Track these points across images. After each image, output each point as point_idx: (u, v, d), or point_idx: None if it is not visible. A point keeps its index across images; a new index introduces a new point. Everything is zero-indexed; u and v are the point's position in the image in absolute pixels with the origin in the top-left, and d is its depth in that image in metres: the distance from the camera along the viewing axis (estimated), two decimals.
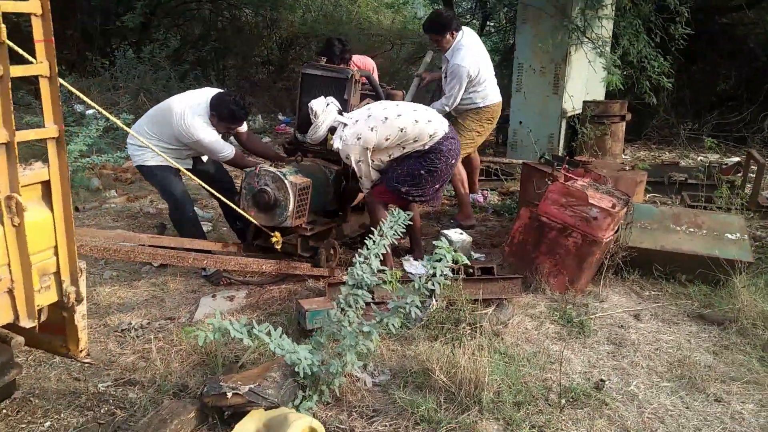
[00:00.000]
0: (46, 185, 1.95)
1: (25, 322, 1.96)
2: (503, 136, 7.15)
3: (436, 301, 3.18)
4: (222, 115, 3.59)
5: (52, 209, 1.97)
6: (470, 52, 4.51)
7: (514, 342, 2.89)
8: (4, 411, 2.36)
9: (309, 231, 3.66)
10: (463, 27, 4.62)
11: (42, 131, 1.91)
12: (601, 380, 2.57)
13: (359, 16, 11.49)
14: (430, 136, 3.53)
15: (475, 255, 4.06)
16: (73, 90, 2.67)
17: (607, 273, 3.52)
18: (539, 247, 3.54)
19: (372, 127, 3.47)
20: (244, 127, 3.92)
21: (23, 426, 2.30)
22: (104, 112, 2.99)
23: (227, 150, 3.67)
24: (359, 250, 2.73)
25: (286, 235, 3.64)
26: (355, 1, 11.54)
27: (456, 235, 4.04)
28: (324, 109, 3.57)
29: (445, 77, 4.63)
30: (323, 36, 10.56)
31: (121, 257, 2.73)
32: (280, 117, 9.13)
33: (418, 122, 3.51)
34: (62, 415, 2.37)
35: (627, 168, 4.68)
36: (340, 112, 3.62)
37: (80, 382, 2.60)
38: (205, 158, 3.90)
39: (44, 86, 1.89)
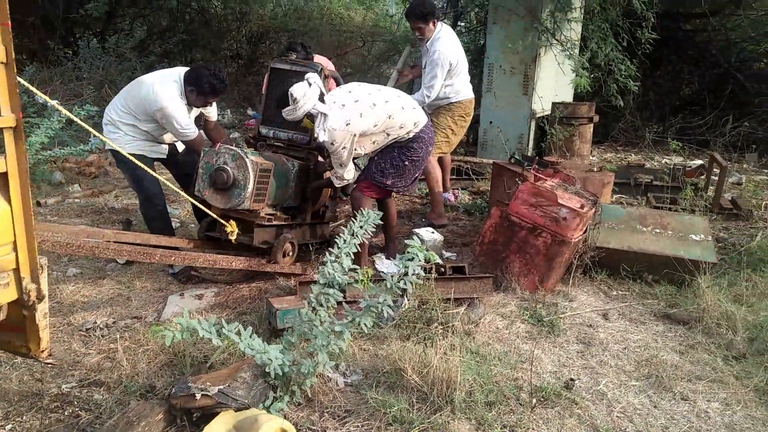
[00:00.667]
0: (3, 177, 1.85)
1: None
2: (474, 136, 7.20)
3: (408, 300, 3.18)
4: (202, 89, 3.55)
5: (9, 202, 1.89)
6: (450, 42, 4.60)
7: (486, 341, 2.90)
8: None
9: (266, 221, 3.54)
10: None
11: None
12: (571, 379, 2.60)
13: (330, 12, 11.40)
14: (415, 123, 3.53)
15: (447, 254, 4.07)
16: (26, 84, 2.55)
17: (576, 272, 3.57)
18: (509, 247, 3.57)
19: (361, 113, 3.39)
20: (214, 115, 3.89)
21: None
22: (60, 107, 2.86)
23: (191, 129, 3.60)
24: (329, 249, 2.70)
25: (242, 226, 3.49)
26: None
27: (428, 234, 4.05)
28: (305, 93, 3.33)
29: (425, 69, 4.65)
30: (294, 31, 10.48)
31: (85, 253, 2.64)
32: (249, 112, 9.01)
33: (404, 109, 3.50)
34: (24, 417, 2.28)
35: (595, 169, 4.76)
36: (321, 97, 3.40)
37: (43, 383, 2.51)
38: (181, 147, 3.84)
39: (0, 73, 1.80)
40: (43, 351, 2.20)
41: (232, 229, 3.43)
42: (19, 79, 2.50)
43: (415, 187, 4.41)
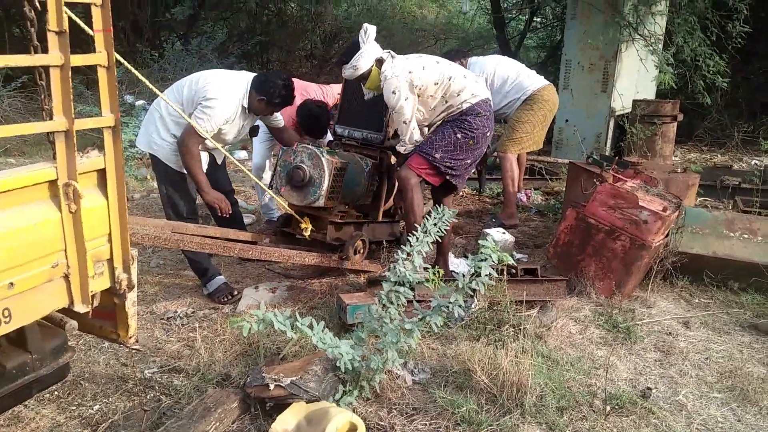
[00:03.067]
0: (102, 173, 1.97)
1: (80, 308, 2.01)
2: (548, 134, 7.01)
3: (479, 301, 3.15)
4: (271, 99, 3.37)
5: (106, 197, 2.01)
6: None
7: (558, 345, 2.83)
8: (56, 393, 2.44)
9: (340, 218, 3.61)
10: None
11: (99, 120, 1.93)
12: (648, 388, 2.50)
13: (403, 10, 11.44)
14: (473, 94, 3.38)
15: (518, 255, 4.00)
16: (138, 75, 2.71)
17: (655, 278, 3.42)
18: (585, 249, 3.47)
19: (424, 66, 3.31)
20: (281, 121, 3.80)
21: (73, 408, 2.38)
22: (162, 96, 3.03)
23: (201, 133, 3.22)
24: (401, 247, 2.71)
25: (316, 223, 3.59)
26: None
27: (498, 234, 4.00)
28: (371, 37, 3.28)
29: None
30: None
31: (170, 246, 2.79)
32: None
33: (466, 77, 3.41)
34: (110, 399, 2.44)
35: (678, 170, 4.53)
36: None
37: (128, 367, 2.67)
38: (219, 159, 3.73)
39: (102, 76, 1.89)
40: (130, 337, 2.34)
41: (306, 225, 3.53)
42: (135, 71, 2.67)
43: (465, 183, 4.24)
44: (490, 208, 5.08)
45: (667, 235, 3.48)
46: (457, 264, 3.77)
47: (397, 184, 3.95)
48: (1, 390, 1.85)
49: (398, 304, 2.58)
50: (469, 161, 3.46)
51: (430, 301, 2.60)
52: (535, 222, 4.74)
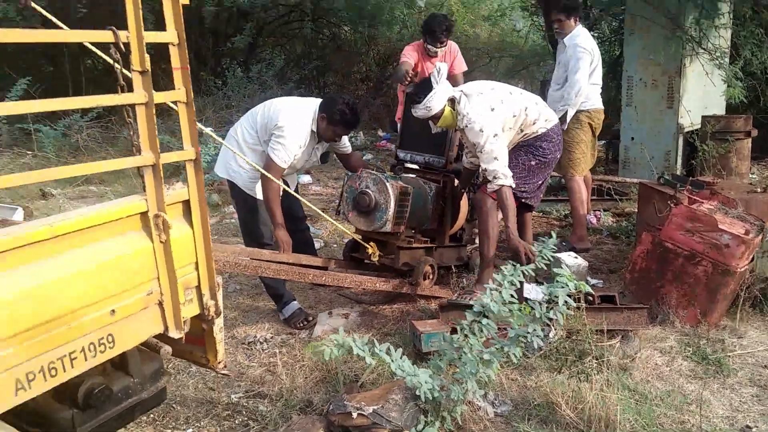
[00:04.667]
0: (186, 204, 2.04)
1: (174, 333, 2.08)
2: (614, 153, 6.86)
3: (556, 330, 3.10)
4: (333, 119, 3.40)
5: (192, 226, 2.09)
6: (590, 40, 4.46)
7: (644, 378, 2.74)
8: (152, 416, 2.54)
9: (407, 243, 3.62)
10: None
11: (182, 153, 2.00)
12: (747, 426, 2.38)
13: (456, 30, 11.48)
14: (546, 120, 3.39)
15: (592, 281, 3.90)
16: (202, 127, 2.82)
17: (743, 306, 3.27)
18: (664, 275, 3.35)
19: (501, 99, 3.28)
20: (348, 147, 3.82)
21: (169, 431, 2.46)
22: (223, 142, 3.13)
23: (284, 163, 3.29)
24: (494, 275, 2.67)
25: (383, 248, 3.61)
26: (451, 15, 11.53)
27: (570, 258, 3.91)
28: (434, 91, 3.22)
29: (558, 68, 4.56)
30: None
31: (250, 272, 2.87)
32: (380, 133, 9.29)
33: (537, 104, 3.40)
34: (202, 423, 2.52)
35: (758, 190, 4.33)
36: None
37: (215, 392, 2.75)
38: (293, 185, 3.77)
39: (182, 111, 1.95)
40: (219, 362, 2.41)
41: (373, 250, 3.57)
42: (205, 130, 2.78)
43: (539, 200, 4.17)
44: (559, 231, 4.98)
45: (752, 260, 3.33)
46: (530, 290, 3.71)
47: (461, 208, 3.96)
48: (110, 412, 1.93)
49: (479, 336, 2.56)
50: (540, 182, 3.52)
51: (508, 330, 2.58)
52: (607, 245, 4.62)
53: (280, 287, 3.52)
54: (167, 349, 2.26)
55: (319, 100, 3.54)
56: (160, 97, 1.79)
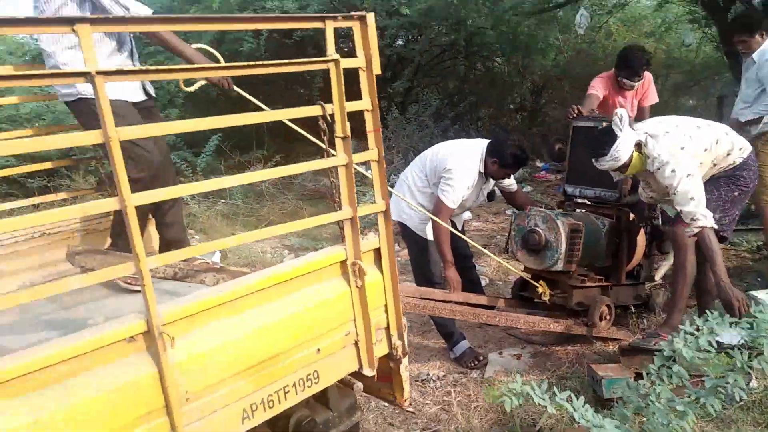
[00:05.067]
0: (377, 252, 2.22)
1: (368, 371, 2.24)
2: None
3: (757, 378, 2.78)
4: (505, 162, 3.48)
5: (382, 272, 2.25)
6: None
7: None
8: None
9: (580, 282, 3.49)
10: None
11: (374, 206, 2.18)
12: None
13: (615, 50, 10.96)
14: (741, 149, 3.13)
15: None
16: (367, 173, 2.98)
17: None
18: None
19: (690, 135, 3.06)
20: (514, 185, 3.86)
21: None
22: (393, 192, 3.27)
23: (450, 206, 3.40)
24: (692, 316, 2.49)
25: (554, 286, 3.52)
26: (610, 35, 11.04)
27: None
28: (618, 141, 3.00)
29: (747, 84, 4.18)
30: (577, 76, 10.34)
31: (426, 312, 2.99)
32: (539, 164, 9.10)
33: (728, 134, 3.15)
34: None
35: None
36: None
37: (394, 427, 2.87)
38: (459, 224, 3.85)
39: (374, 168, 2.15)
40: (405, 400, 2.54)
41: (543, 290, 3.50)
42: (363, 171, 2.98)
43: (741, 236, 3.78)
44: (752, 265, 4.48)
45: None
46: (729, 335, 3.37)
47: (638, 243, 3.74)
48: None
49: (669, 383, 2.39)
50: (737, 212, 3.26)
51: (704, 378, 2.37)
52: None
53: (451, 326, 3.59)
54: (360, 385, 2.43)
55: (485, 141, 3.63)
56: (357, 157, 1.98)
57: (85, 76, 1.34)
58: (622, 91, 4.52)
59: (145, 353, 1.51)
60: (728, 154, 3.12)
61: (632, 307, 3.80)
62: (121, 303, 2.25)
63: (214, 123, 1.65)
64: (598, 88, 4.50)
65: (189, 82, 2.60)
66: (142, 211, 2.65)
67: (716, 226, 3.02)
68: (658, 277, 4.21)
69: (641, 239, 3.74)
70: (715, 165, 3.15)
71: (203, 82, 2.68)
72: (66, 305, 2.24)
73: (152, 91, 2.79)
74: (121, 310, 2.02)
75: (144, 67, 2.38)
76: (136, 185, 2.43)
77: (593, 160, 3.20)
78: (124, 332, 1.49)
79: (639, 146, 3.08)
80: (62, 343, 1.42)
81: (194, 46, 2.60)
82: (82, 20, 1.35)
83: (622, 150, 3.03)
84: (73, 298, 2.27)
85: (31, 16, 1.42)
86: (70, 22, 1.34)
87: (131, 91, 2.61)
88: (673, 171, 2.97)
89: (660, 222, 3.88)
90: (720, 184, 3.17)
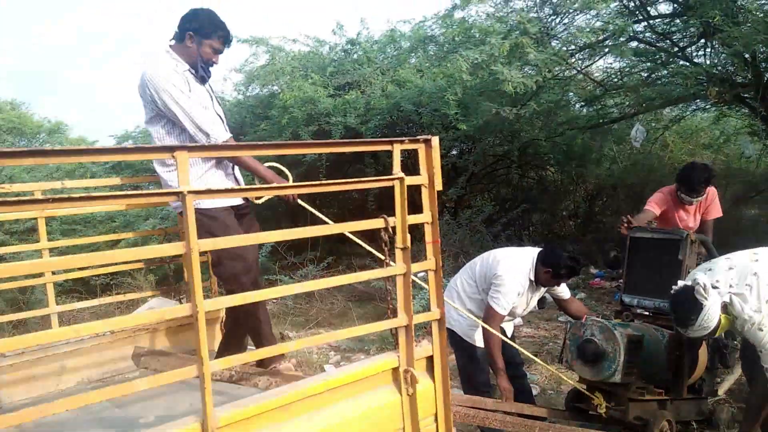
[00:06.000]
0: (430, 359, 2.28)
1: None
2: None
3: None
4: (558, 273, 3.50)
5: (434, 380, 2.29)
6: None
7: None
8: None
9: (638, 395, 3.37)
10: None
11: (429, 314, 2.28)
12: None
13: (672, 161, 11.00)
14: None
15: None
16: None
17: None
18: None
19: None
20: (567, 293, 3.87)
21: None
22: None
23: (501, 312, 3.46)
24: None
25: (611, 399, 3.40)
26: (667, 146, 11.13)
27: None
28: (705, 308, 2.88)
29: None
30: (632, 184, 10.38)
31: (477, 423, 2.96)
32: (593, 270, 8.98)
33: None
34: None
35: None
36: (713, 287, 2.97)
37: None
38: (509, 331, 3.85)
39: (431, 278, 2.28)
40: None
41: (599, 402, 3.40)
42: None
43: None
44: None
45: None
46: None
47: (700, 357, 3.62)
48: None
49: None
50: None
51: None
52: None
53: None
54: None
55: (536, 249, 3.70)
56: (415, 267, 2.11)
57: (178, 195, 1.57)
58: (683, 206, 4.52)
59: None
60: None
61: (694, 423, 3.60)
62: (174, 401, 2.31)
63: (285, 235, 1.84)
64: (654, 204, 4.49)
65: (260, 197, 2.86)
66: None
67: None
68: (721, 392, 4.02)
69: (703, 352, 3.64)
70: None
71: (271, 196, 2.92)
72: (119, 402, 2.31)
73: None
74: (174, 409, 2.12)
75: (229, 187, 2.70)
76: (237, 280, 2.68)
77: (677, 325, 3.14)
78: None
79: (725, 307, 2.95)
80: None
81: (267, 164, 2.90)
82: (181, 148, 1.61)
83: (712, 319, 2.91)
84: (127, 396, 2.35)
85: (140, 146, 1.70)
86: (171, 149, 1.60)
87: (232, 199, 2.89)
88: (761, 329, 2.89)
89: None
90: None
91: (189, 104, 2.72)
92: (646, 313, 3.83)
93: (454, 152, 11.00)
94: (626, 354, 3.28)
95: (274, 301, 8.03)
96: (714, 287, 2.94)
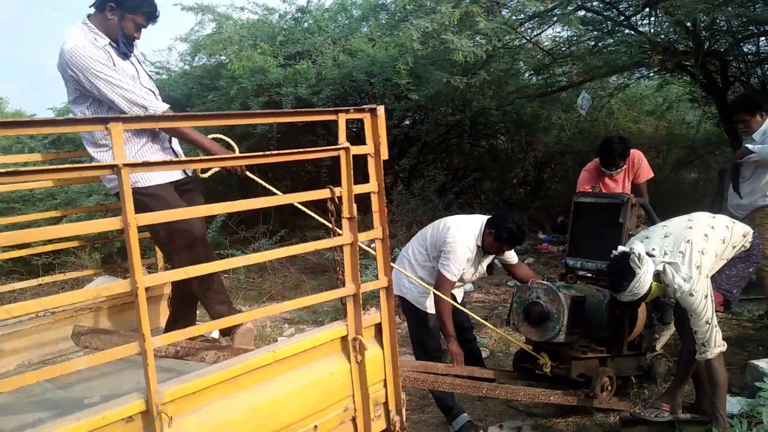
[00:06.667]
0: (378, 327, 2.31)
1: None
2: None
3: None
4: (500, 236, 3.56)
5: (382, 347, 2.33)
6: None
7: None
8: None
9: (581, 353, 3.52)
10: None
11: (377, 282, 2.30)
12: None
13: (618, 128, 11.31)
14: (744, 234, 3.28)
15: None
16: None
17: None
18: None
19: (702, 250, 3.15)
20: (514, 258, 3.93)
21: None
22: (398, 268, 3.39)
23: (451, 279, 3.51)
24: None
25: (555, 358, 3.55)
26: (612, 114, 11.42)
27: None
28: (637, 275, 3.02)
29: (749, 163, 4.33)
30: (580, 151, 10.65)
31: (427, 387, 3.04)
32: (540, 236, 9.23)
33: (728, 227, 3.28)
34: None
35: None
36: (648, 254, 3.11)
37: None
38: (459, 297, 3.94)
39: (378, 246, 2.29)
40: None
41: (545, 361, 3.54)
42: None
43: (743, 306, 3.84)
44: (753, 334, 4.49)
45: None
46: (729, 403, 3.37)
47: (639, 315, 3.79)
48: None
49: None
50: (744, 285, 3.39)
51: None
52: None
53: (450, 399, 3.61)
54: None
55: (485, 217, 3.76)
56: (362, 236, 2.11)
57: (113, 168, 1.52)
58: (609, 178, 4.69)
59: None
60: (734, 247, 3.27)
61: (634, 378, 3.80)
62: (119, 381, 2.29)
63: (227, 207, 1.81)
64: (583, 186, 4.72)
65: (205, 170, 2.75)
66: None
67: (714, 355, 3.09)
68: (659, 347, 4.24)
69: (642, 310, 3.80)
70: (733, 247, 3.28)
71: (217, 169, 2.80)
72: (63, 384, 2.27)
73: (189, 172, 2.90)
74: (119, 389, 2.10)
75: (168, 159, 2.59)
76: (182, 254, 2.59)
77: (610, 290, 3.33)
78: (123, 412, 1.53)
79: (658, 275, 3.09)
80: (57, 426, 1.43)
81: (211, 136, 2.74)
82: (115, 119, 1.55)
83: (642, 286, 3.05)
84: (71, 376, 2.26)
85: (69, 117, 1.62)
86: (104, 121, 1.54)
87: (171, 173, 2.72)
88: (691, 294, 3.02)
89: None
90: (737, 262, 3.30)
91: (117, 79, 2.51)
92: (589, 275, 3.98)
93: (407, 122, 11.00)
94: (569, 315, 3.41)
95: (226, 275, 7.93)
96: (650, 255, 3.09)
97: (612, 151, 4.52)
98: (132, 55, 2.74)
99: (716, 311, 3.13)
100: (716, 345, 3.05)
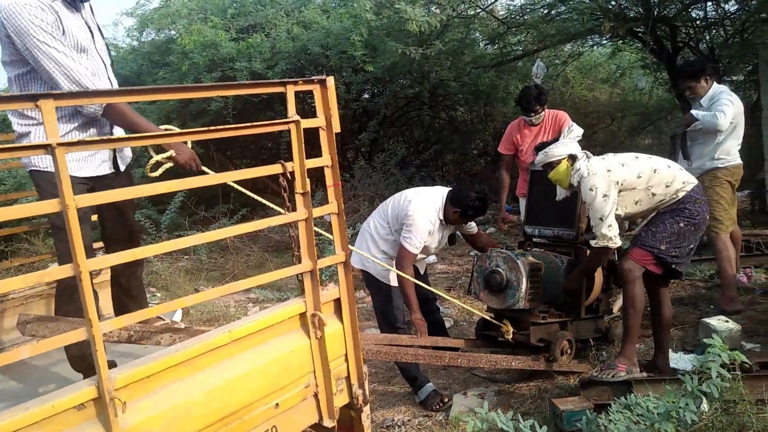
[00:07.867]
0: (338, 302, 2.29)
1: (327, 422, 2.26)
2: (760, 203, 6.34)
3: (709, 402, 2.89)
4: (466, 213, 3.60)
5: (342, 322, 2.32)
6: (733, 96, 4.34)
7: None
8: None
9: (541, 319, 3.61)
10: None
11: (334, 258, 2.27)
12: None
13: (573, 96, 11.45)
14: (683, 182, 3.31)
15: (748, 345, 3.60)
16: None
17: None
18: None
19: (623, 163, 3.32)
20: (474, 228, 3.96)
21: None
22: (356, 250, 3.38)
23: (413, 251, 3.54)
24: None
25: (516, 324, 3.63)
26: (568, 82, 11.55)
27: (721, 323, 3.66)
28: (574, 137, 3.53)
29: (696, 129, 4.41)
30: None
31: (390, 359, 3.05)
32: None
33: (670, 167, 3.35)
34: None
35: None
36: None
37: None
38: (422, 268, 3.96)
39: (334, 220, 2.26)
40: None
41: (507, 328, 3.60)
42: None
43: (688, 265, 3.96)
44: (705, 293, 4.67)
45: None
46: (677, 359, 3.51)
47: (595, 279, 3.88)
48: None
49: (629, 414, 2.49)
50: (692, 246, 3.38)
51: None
52: (762, 305, 4.23)
53: (414, 370, 3.65)
54: None
55: (445, 189, 3.76)
56: (317, 211, 2.07)
57: (47, 148, 1.43)
58: (528, 128, 4.88)
59: (96, 421, 1.50)
60: (668, 185, 3.29)
61: (592, 340, 3.90)
62: (72, 370, 2.22)
63: (173, 186, 1.72)
64: (503, 148, 5.13)
65: (155, 167, 2.47)
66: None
67: (619, 243, 3.33)
68: (615, 309, 4.36)
69: (598, 275, 3.88)
70: (654, 195, 3.31)
71: (169, 166, 2.52)
72: (12, 373, 2.20)
73: (122, 166, 2.64)
74: (73, 377, 2.03)
75: (106, 137, 2.45)
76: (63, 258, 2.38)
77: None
78: (74, 400, 1.48)
79: (573, 159, 3.44)
80: (4, 417, 1.38)
81: (163, 127, 2.50)
82: (45, 96, 1.45)
83: (557, 149, 3.46)
84: (21, 367, 2.21)
85: None
86: (34, 98, 1.44)
87: (89, 166, 2.47)
88: (591, 189, 3.26)
89: (616, 257, 4.05)
90: (665, 217, 3.34)
91: (61, 52, 2.22)
92: (546, 241, 4.04)
93: (366, 96, 10.88)
94: (528, 281, 3.46)
95: (187, 256, 7.80)
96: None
97: (528, 96, 4.73)
98: (84, 6, 2.44)
99: (652, 272, 3.31)
100: (607, 239, 3.26)
